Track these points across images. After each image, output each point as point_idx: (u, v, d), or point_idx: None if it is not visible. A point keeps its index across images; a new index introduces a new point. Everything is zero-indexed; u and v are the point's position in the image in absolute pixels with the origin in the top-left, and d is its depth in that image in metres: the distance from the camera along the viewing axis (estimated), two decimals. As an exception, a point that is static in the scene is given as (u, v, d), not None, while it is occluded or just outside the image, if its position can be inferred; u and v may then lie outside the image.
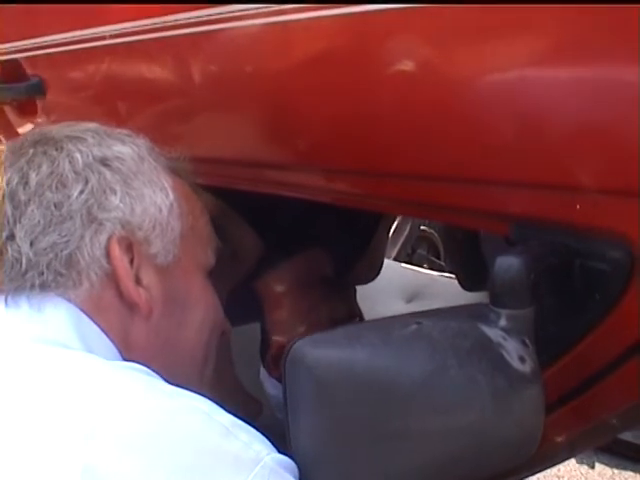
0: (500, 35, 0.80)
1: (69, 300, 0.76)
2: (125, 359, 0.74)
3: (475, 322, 0.76)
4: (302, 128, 1.11)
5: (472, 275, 1.90)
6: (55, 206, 0.77)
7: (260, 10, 1.01)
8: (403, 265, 2.63)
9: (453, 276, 2.09)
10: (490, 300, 0.78)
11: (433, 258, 3.13)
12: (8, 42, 1.59)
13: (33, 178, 0.78)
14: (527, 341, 0.76)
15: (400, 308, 2.09)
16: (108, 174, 0.80)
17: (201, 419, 0.63)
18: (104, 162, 0.81)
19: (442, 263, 2.98)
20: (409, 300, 2.19)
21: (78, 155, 0.80)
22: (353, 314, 1.67)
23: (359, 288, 1.85)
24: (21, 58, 1.57)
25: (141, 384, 0.66)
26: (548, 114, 0.79)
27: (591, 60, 0.74)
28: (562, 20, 0.73)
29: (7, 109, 1.65)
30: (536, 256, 0.79)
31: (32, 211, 0.77)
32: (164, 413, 0.63)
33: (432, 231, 3.14)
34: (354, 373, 0.70)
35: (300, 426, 0.73)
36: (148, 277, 0.80)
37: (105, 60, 1.41)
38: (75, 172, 0.79)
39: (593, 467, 2.31)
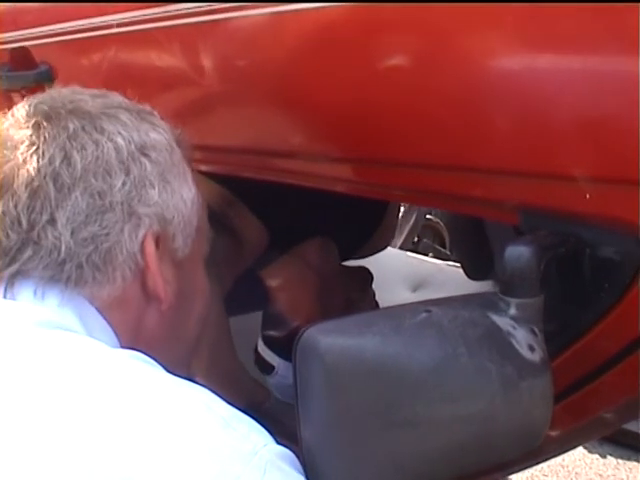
0: (504, 24, 0.81)
1: (87, 296, 0.74)
2: (127, 347, 0.74)
3: (485, 311, 0.76)
4: (309, 116, 1.11)
5: (478, 264, 1.91)
6: (99, 195, 0.73)
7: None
8: (409, 254, 2.63)
9: (459, 265, 2.10)
10: (500, 289, 0.78)
11: (439, 247, 3.13)
12: (17, 30, 1.60)
13: (77, 160, 0.73)
14: (536, 330, 0.77)
15: (406, 297, 2.09)
16: (148, 166, 0.77)
17: (200, 410, 0.63)
18: (143, 151, 0.77)
19: (448, 252, 2.98)
20: (415, 289, 2.19)
21: (121, 141, 0.76)
22: (368, 299, 1.68)
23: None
24: (30, 46, 1.57)
25: (142, 373, 0.66)
26: (557, 102, 0.79)
27: (599, 48, 0.74)
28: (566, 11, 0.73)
29: (15, 97, 1.65)
30: (546, 245, 0.80)
31: (76, 197, 0.72)
32: (164, 403, 0.62)
33: (438, 220, 3.14)
34: (364, 360, 0.71)
35: (310, 412, 0.73)
36: (167, 271, 0.78)
37: (114, 48, 1.41)
38: (119, 161, 0.75)
39: (605, 457, 2.32)
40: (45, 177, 0.72)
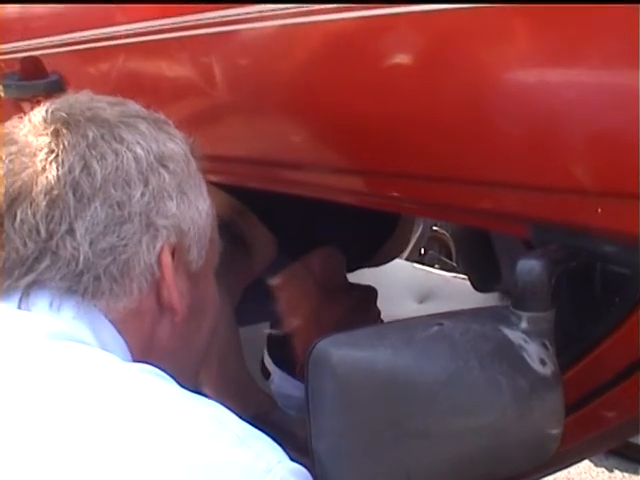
0: (520, 37, 0.81)
1: (103, 309, 0.73)
2: (140, 360, 0.73)
3: (496, 324, 0.76)
4: (318, 128, 1.11)
5: (484, 276, 1.90)
6: (118, 206, 0.72)
7: (282, 11, 1.02)
8: (415, 265, 2.62)
9: (465, 277, 2.10)
10: (511, 303, 0.78)
11: (445, 259, 3.12)
12: (28, 39, 1.60)
13: (97, 170, 0.72)
14: (547, 344, 0.77)
15: (412, 308, 2.09)
16: (167, 177, 0.76)
17: (213, 427, 0.62)
18: (162, 162, 0.76)
19: (454, 264, 2.98)
20: (421, 301, 2.19)
21: (140, 151, 0.75)
22: (371, 318, 1.68)
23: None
24: (41, 55, 1.58)
25: (154, 388, 0.65)
26: (569, 118, 0.79)
27: (609, 63, 0.75)
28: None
29: (25, 106, 1.66)
30: (557, 259, 0.80)
31: (96, 208, 0.71)
32: (177, 420, 0.62)
33: (444, 232, 3.13)
34: (376, 373, 0.71)
35: (322, 425, 0.74)
36: (182, 283, 0.78)
37: (124, 58, 1.42)
38: (139, 172, 0.74)
39: (612, 471, 2.31)
40: (65, 186, 0.71)
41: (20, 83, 1.63)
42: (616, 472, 2.41)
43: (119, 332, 0.74)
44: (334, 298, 1.65)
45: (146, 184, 0.74)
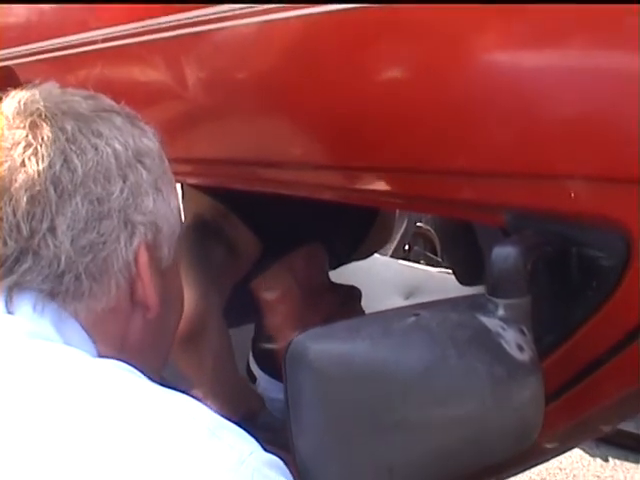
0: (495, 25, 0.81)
1: (83, 310, 0.72)
2: (111, 357, 0.71)
3: (473, 312, 0.76)
4: (295, 125, 1.12)
5: (469, 270, 1.91)
6: (98, 201, 0.71)
7: (254, 9, 1.02)
8: (400, 262, 2.63)
9: (450, 271, 2.10)
10: (487, 290, 0.78)
11: (430, 254, 3.13)
12: (0, 49, 1.60)
13: (78, 165, 0.70)
14: (525, 330, 0.77)
15: (399, 304, 2.09)
16: (144, 173, 0.75)
17: (185, 421, 0.62)
18: (138, 158, 0.75)
19: (439, 259, 2.98)
20: (407, 296, 2.20)
21: (119, 147, 0.73)
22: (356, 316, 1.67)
23: (357, 284, 1.87)
24: (13, 65, 1.57)
25: (127, 383, 0.65)
26: (541, 103, 0.79)
27: (589, 49, 0.75)
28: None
29: None
30: (532, 245, 0.80)
31: (76, 204, 0.70)
32: (147, 415, 0.61)
33: (428, 227, 3.14)
34: (354, 366, 0.71)
35: (302, 421, 0.73)
36: (155, 280, 0.77)
37: (98, 64, 1.41)
38: (118, 167, 0.73)
39: (604, 459, 2.32)
40: (46, 182, 0.69)
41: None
42: (607, 461, 2.42)
43: (89, 333, 0.73)
44: (318, 299, 1.65)
45: (125, 180, 0.73)
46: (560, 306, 0.84)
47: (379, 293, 2.06)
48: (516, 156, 0.83)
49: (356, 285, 1.82)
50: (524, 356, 0.74)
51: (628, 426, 2.25)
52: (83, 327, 0.72)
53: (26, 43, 1.53)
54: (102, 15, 1.34)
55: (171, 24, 1.17)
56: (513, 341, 0.74)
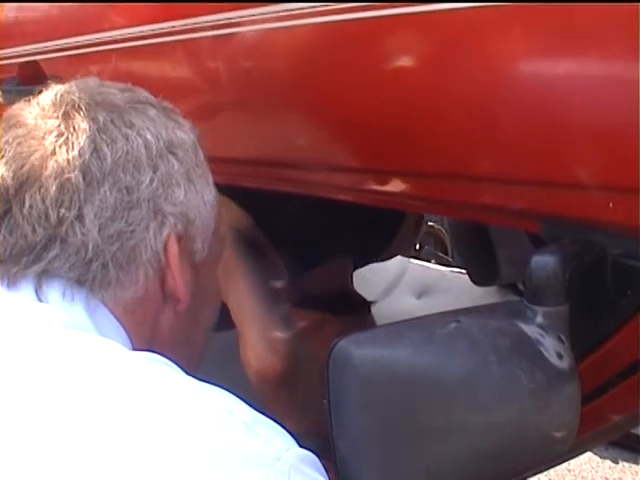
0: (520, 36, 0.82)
1: (111, 298, 0.73)
2: (141, 349, 0.73)
3: (513, 319, 0.77)
4: (318, 126, 1.12)
5: (483, 270, 1.91)
6: (127, 190, 0.72)
7: (281, 13, 1.02)
8: (412, 261, 2.63)
9: (462, 271, 2.11)
10: (526, 298, 0.79)
11: (441, 254, 3.13)
12: (27, 44, 1.60)
13: (108, 154, 0.71)
14: (563, 337, 0.78)
15: (411, 303, 2.10)
16: (176, 164, 0.76)
17: (221, 415, 0.62)
18: (171, 149, 0.76)
19: (450, 259, 2.99)
20: (419, 296, 2.20)
21: (150, 137, 0.74)
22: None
23: (370, 284, 1.87)
24: (40, 60, 1.58)
25: (161, 377, 0.65)
26: (580, 112, 0.80)
27: (618, 58, 0.76)
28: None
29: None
30: (570, 254, 0.81)
31: (105, 192, 0.71)
32: (185, 409, 0.62)
33: (440, 227, 3.13)
34: (398, 371, 0.72)
35: (343, 424, 0.74)
36: (186, 272, 0.77)
37: (122, 61, 1.42)
38: (148, 157, 0.74)
39: (613, 461, 2.33)
40: (75, 170, 0.70)
41: (19, 88, 1.62)
42: (617, 463, 2.42)
43: (120, 322, 0.73)
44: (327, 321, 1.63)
45: (155, 170, 0.74)
46: (594, 314, 0.85)
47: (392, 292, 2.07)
48: (554, 165, 0.83)
49: (369, 283, 1.83)
50: (563, 364, 0.75)
51: (638, 429, 2.26)
52: (114, 314, 0.73)
53: (53, 39, 1.54)
54: (130, 14, 1.35)
55: (201, 25, 1.18)
56: (552, 348, 0.75)
